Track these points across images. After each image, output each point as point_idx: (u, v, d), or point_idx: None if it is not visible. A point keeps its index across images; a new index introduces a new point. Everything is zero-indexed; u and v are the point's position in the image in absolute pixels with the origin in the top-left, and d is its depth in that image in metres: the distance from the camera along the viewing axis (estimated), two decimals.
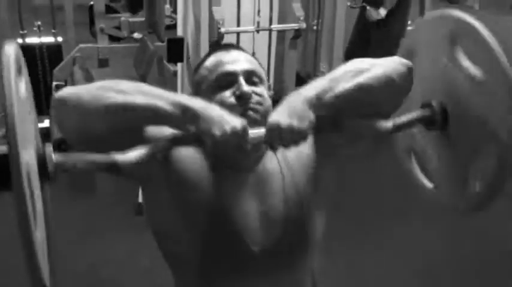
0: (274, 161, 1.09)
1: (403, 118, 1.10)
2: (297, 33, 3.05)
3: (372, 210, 3.02)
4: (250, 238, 1.04)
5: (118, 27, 3.36)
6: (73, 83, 3.12)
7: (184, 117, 0.92)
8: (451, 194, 1.16)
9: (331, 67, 3.50)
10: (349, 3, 3.83)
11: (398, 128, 1.09)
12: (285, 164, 1.09)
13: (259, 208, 1.06)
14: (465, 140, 1.09)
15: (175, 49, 3.42)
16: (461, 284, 2.51)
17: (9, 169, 0.76)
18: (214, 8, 2.85)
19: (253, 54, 3.24)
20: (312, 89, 1.00)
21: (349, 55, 3.99)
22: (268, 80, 3.56)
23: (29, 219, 0.76)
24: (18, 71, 0.84)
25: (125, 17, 3.41)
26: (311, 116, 0.97)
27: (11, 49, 0.83)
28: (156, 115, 0.92)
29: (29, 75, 3.17)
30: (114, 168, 0.91)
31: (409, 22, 3.90)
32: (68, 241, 2.61)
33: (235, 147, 0.93)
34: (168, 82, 3.65)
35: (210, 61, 1.09)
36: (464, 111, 1.07)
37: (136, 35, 3.46)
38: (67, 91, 0.94)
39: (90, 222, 2.84)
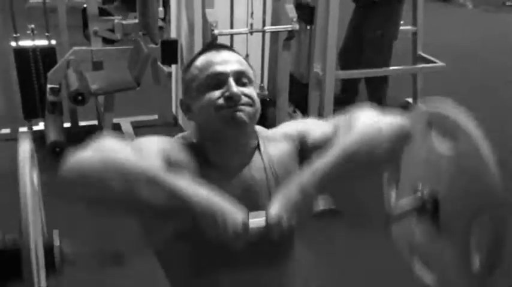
0: (259, 163, 1.12)
1: (397, 211, 1.14)
2: (291, 34, 3.06)
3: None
4: (229, 239, 1.05)
5: (111, 30, 3.37)
6: (67, 86, 3.12)
7: (187, 212, 0.92)
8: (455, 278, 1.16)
9: (324, 68, 3.52)
10: None
11: (392, 221, 1.15)
12: (270, 166, 1.12)
13: (244, 208, 1.08)
14: (458, 222, 1.09)
15: (170, 51, 3.43)
16: None
17: (19, 259, 0.79)
18: (207, 11, 2.86)
19: (246, 56, 3.28)
20: (311, 175, 0.99)
21: (343, 56, 4.02)
22: (262, 81, 3.59)
23: None
24: (32, 164, 0.88)
25: (118, 19, 3.41)
26: (311, 207, 0.99)
27: (26, 144, 0.87)
28: (156, 209, 0.92)
29: (23, 78, 3.21)
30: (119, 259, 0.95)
31: (401, 22, 3.93)
32: None
33: (237, 240, 0.95)
34: (162, 84, 3.66)
35: (200, 60, 1.11)
36: (452, 192, 1.09)
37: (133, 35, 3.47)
38: (72, 169, 0.93)
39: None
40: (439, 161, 1.11)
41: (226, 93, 1.05)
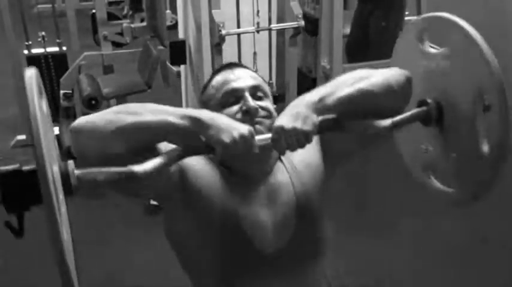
0: (284, 172, 1.15)
1: (401, 116, 1.14)
2: (296, 31, 3.10)
3: (379, 205, 3.08)
4: (262, 245, 1.10)
5: (120, 33, 3.43)
6: (80, 91, 3.19)
7: (194, 127, 0.97)
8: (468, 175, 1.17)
9: (331, 61, 3.55)
10: None
11: (396, 125, 1.13)
12: (295, 174, 1.15)
13: (271, 216, 1.12)
14: (463, 120, 1.12)
15: (178, 52, 3.48)
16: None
17: (37, 184, 0.82)
18: (214, 11, 2.90)
19: (254, 54, 3.31)
20: (314, 94, 1.06)
21: (349, 49, 4.04)
22: (271, 78, 3.63)
23: (59, 226, 0.81)
24: (40, 92, 0.90)
25: (126, 23, 3.47)
26: (314, 118, 1.02)
27: (32, 72, 0.90)
28: (167, 130, 0.97)
29: None
30: (133, 179, 0.96)
31: (406, 13, 3.95)
32: (84, 248, 2.68)
33: (243, 151, 0.98)
34: (172, 84, 3.72)
35: (216, 80, 1.16)
36: (453, 89, 1.12)
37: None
38: (81, 121, 0.99)
39: (104, 228, 2.89)
40: (437, 67, 1.14)
41: (244, 108, 1.09)
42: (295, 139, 1.00)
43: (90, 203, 3.06)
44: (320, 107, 1.04)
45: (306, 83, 3.83)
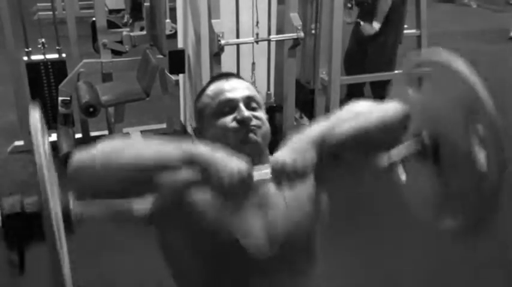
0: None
1: (397, 153, 1.17)
2: (296, 42, 3.12)
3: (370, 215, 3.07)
4: (254, 251, 1.11)
5: (120, 42, 3.44)
6: (78, 98, 3.19)
7: (193, 165, 0.97)
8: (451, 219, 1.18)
9: (330, 73, 3.57)
10: (345, 19, 3.90)
11: (393, 164, 1.17)
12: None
13: (263, 225, 1.13)
14: (460, 154, 1.11)
15: (177, 61, 3.50)
16: None
17: (40, 225, 0.86)
18: (213, 21, 2.92)
19: (253, 65, 3.32)
20: (314, 129, 1.07)
21: (347, 62, 4.07)
22: (269, 88, 3.64)
23: (61, 265, 0.86)
24: (43, 131, 0.94)
25: (126, 31, 3.48)
26: (313, 153, 1.03)
27: (36, 114, 0.95)
28: (166, 166, 0.97)
29: (35, 91, 3.31)
30: (132, 218, 1.00)
31: (405, 26, 3.97)
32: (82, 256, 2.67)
33: (241, 189, 0.98)
34: (170, 93, 3.73)
35: (211, 89, 1.18)
36: (447, 128, 1.13)
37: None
38: (80, 159, 0.99)
39: (101, 236, 2.88)
40: (431, 103, 1.16)
41: (238, 117, 1.12)
42: (294, 174, 1.01)
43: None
44: (318, 143, 1.04)
45: (305, 94, 3.86)
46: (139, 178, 0.98)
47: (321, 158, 1.05)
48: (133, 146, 1.00)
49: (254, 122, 1.13)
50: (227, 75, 1.22)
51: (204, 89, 1.21)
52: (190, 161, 0.97)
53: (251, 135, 1.11)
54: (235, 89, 1.16)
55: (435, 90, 1.15)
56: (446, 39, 5.98)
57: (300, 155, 1.01)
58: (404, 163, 1.23)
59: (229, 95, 1.15)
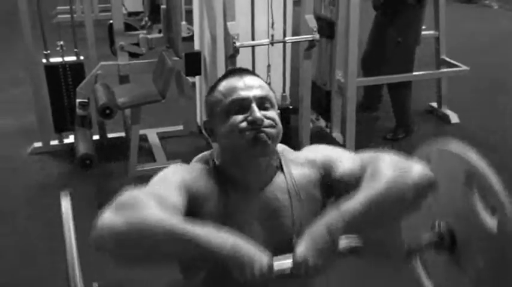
0: (285, 193, 1.15)
1: (416, 245, 1.16)
2: (311, 44, 3.10)
3: None
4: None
5: (137, 44, 3.47)
6: (95, 100, 3.22)
7: (216, 256, 0.95)
8: None
9: (346, 75, 3.55)
10: None
11: (411, 254, 1.17)
12: (298, 203, 1.16)
13: (263, 231, 1.12)
14: (476, 245, 1.10)
15: (193, 63, 3.52)
16: None
17: None
18: (229, 23, 2.92)
19: (268, 67, 3.32)
20: (334, 216, 1.02)
21: (365, 63, 4.04)
22: (284, 90, 3.63)
23: None
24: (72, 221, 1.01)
25: (143, 33, 3.51)
26: (336, 246, 1.01)
27: (67, 203, 1.00)
28: (189, 252, 0.97)
29: (54, 93, 3.38)
30: None
31: (423, 27, 3.93)
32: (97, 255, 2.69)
33: (261, 282, 0.97)
34: (186, 95, 3.74)
35: (224, 85, 1.15)
36: (468, 228, 1.10)
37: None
38: (108, 229, 0.95)
39: None
40: (454, 198, 1.13)
41: (250, 118, 1.09)
42: (315, 271, 0.99)
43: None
44: (345, 233, 1.02)
45: (321, 96, 3.84)
46: (165, 255, 0.99)
47: (342, 254, 1.03)
48: (160, 225, 0.95)
49: (266, 122, 1.10)
50: (241, 71, 1.18)
51: (216, 84, 1.18)
52: (215, 252, 0.95)
53: (261, 135, 1.09)
54: (249, 87, 1.13)
55: (442, 178, 1.12)
56: (465, 40, 5.91)
57: (322, 251, 0.98)
58: (422, 254, 1.23)
59: (242, 93, 1.12)
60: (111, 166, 3.52)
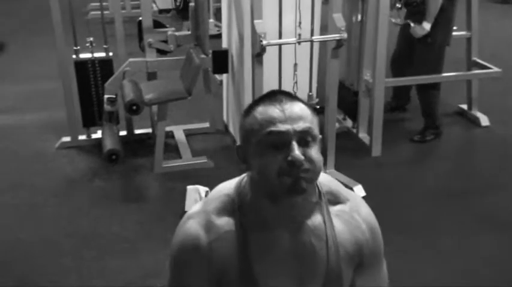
0: (322, 240, 1.10)
1: None
2: (339, 43, 3.07)
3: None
4: None
5: (165, 41, 3.49)
6: (123, 96, 3.26)
7: None
8: None
9: (374, 75, 3.51)
10: (393, 20, 3.81)
11: None
12: (335, 253, 1.11)
13: (294, 277, 1.09)
14: None
15: (220, 61, 3.53)
16: None
17: None
18: (256, 22, 2.91)
19: (295, 65, 3.30)
20: None
21: (394, 63, 3.99)
22: (311, 90, 3.60)
23: None
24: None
25: (171, 31, 3.53)
26: None
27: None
28: None
29: (83, 89, 3.49)
30: None
31: (454, 28, 3.85)
32: (121, 250, 2.72)
33: None
34: (214, 92, 3.76)
35: (261, 112, 1.04)
36: None
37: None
38: None
39: (142, 231, 2.93)
40: None
41: (289, 158, 0.99)
42: None
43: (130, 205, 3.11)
44: None
45: (348, 96, 3.80)
46: None
47: None
48: None
49: (305, 165, 1.00)
50: (281, 97, 1.05)
51: (253, 107, 1.07)
52: None
53: (300, 182, 1.00)
54: (289, 119, 1.01)
55: None
56: (498, 42, 5.78)
57: None
58: None
59: (282, 127, 1.00)
60: (137, 162, 3.55)
